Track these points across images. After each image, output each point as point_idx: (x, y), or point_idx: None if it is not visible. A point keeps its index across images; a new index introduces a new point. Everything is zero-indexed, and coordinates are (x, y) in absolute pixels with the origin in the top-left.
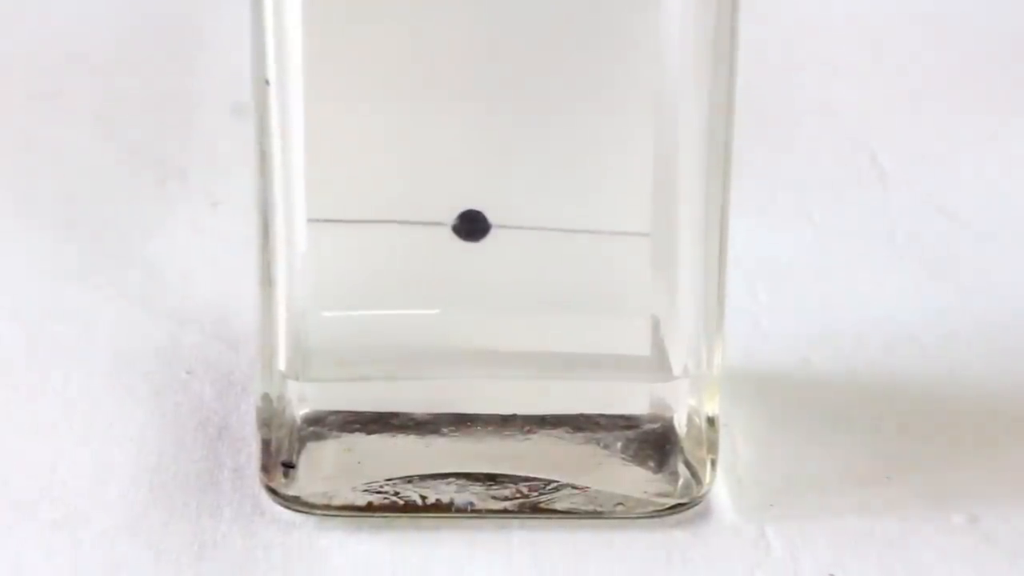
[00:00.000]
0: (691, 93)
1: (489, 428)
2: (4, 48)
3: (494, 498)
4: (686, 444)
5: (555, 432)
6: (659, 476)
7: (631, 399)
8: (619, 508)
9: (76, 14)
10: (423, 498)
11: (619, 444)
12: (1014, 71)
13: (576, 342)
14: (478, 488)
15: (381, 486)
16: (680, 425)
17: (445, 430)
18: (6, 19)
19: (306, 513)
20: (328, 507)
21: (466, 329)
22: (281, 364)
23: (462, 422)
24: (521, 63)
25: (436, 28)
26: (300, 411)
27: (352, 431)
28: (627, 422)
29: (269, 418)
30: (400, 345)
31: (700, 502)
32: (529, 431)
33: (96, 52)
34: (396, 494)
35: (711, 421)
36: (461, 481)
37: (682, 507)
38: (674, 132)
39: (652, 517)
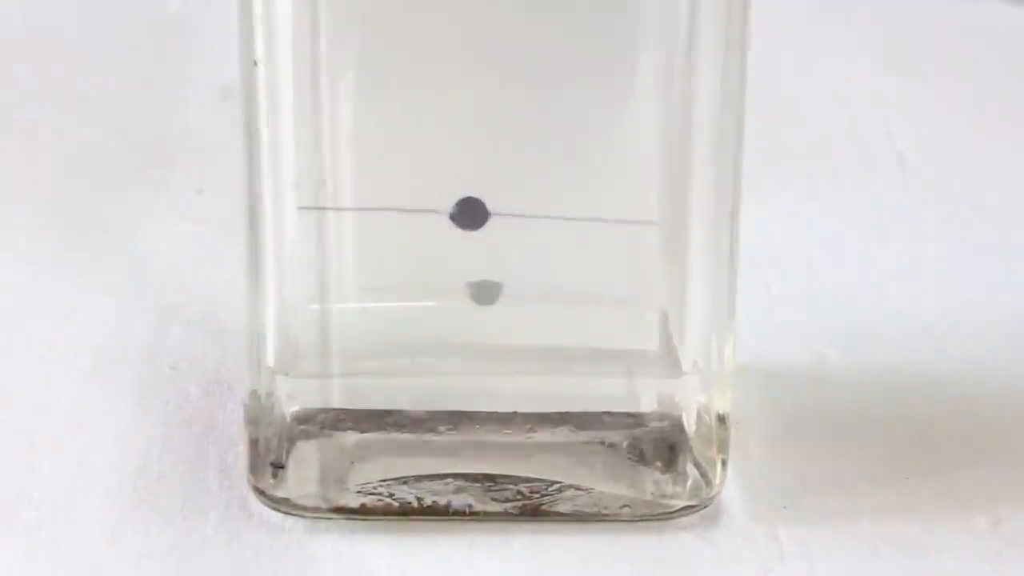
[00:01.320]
0: (701, 78)
1: (488, 426)
2: None
3: (494, 500)
4: (695, 443)
5: (558, 430)
6: (667, 477)
7: (638, 396)
8: (625, 511)
9: None
10: (419, 500)
11: (625, 443)
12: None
13: (580, 336)
14: (477, 490)
15: (375, 487)
16: (689, 423)
17: (442, 428)
18: None
19: (296, 516)
20: (319, 509)
21: (464, 322)
22: (270, 359)
23: (460, 420)
24: (527, 47)
25: (437, 5)
26: (289, 408)
27: (344, 429)
28: (633, 420)
29: (257, 416)
30: (395, 339)
31: (710, 504)
32: (530, 429)
33: (79, 34)
34: (391, 496)
35: (722, 419)
36: (459, 482)
37: (691, 509)
38: (684, 117)
39: (660, 520)
